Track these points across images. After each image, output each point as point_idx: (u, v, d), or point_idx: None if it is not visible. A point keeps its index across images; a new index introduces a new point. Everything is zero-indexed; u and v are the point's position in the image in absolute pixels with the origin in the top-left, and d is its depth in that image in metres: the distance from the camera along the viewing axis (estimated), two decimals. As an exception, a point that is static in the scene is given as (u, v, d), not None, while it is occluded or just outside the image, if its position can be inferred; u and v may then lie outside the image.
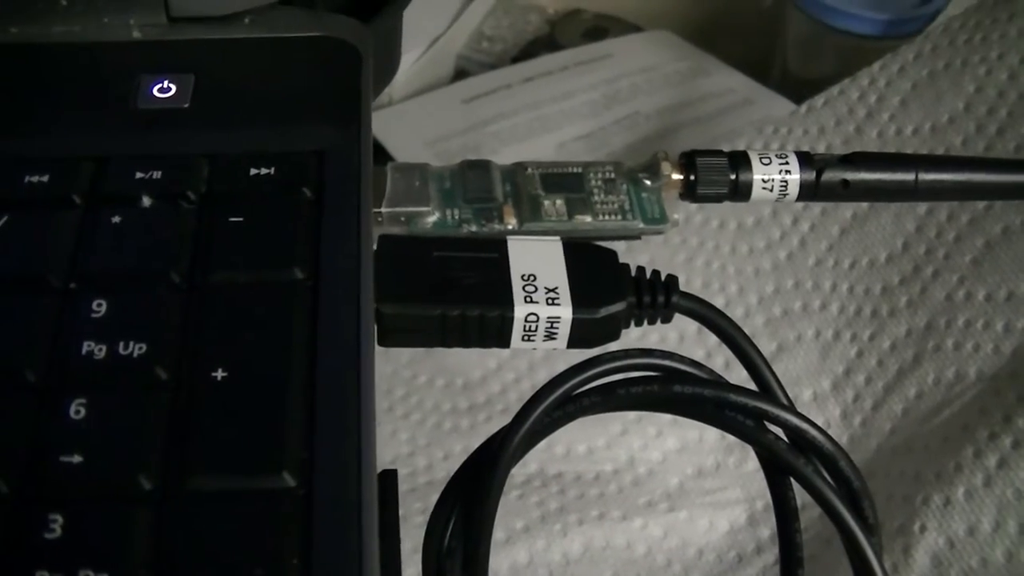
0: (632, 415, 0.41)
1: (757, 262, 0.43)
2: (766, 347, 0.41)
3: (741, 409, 0.25)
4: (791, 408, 0.25)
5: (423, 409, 0.43)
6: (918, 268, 0.40)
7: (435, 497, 0.39)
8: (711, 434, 0.40)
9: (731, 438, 0.40)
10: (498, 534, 0.38)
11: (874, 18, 0.52)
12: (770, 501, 0.39)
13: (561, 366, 0.42)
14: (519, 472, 0.40)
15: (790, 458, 0.25)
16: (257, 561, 0.19)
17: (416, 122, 0.54)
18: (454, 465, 0.41)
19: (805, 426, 0.24)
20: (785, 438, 0.25)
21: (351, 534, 0.19)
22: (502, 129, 0.54)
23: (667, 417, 0.41)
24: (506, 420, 0.26)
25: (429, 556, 0.25)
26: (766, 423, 0.25)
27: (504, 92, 0.56)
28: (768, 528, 0.39)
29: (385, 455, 0.41)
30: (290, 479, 0.20)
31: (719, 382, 0.25)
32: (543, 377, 0.43)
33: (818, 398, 0.40)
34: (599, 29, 0.62)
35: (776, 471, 0.26)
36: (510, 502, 0.39)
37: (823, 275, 0.42)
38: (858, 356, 0.40)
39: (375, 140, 0.33)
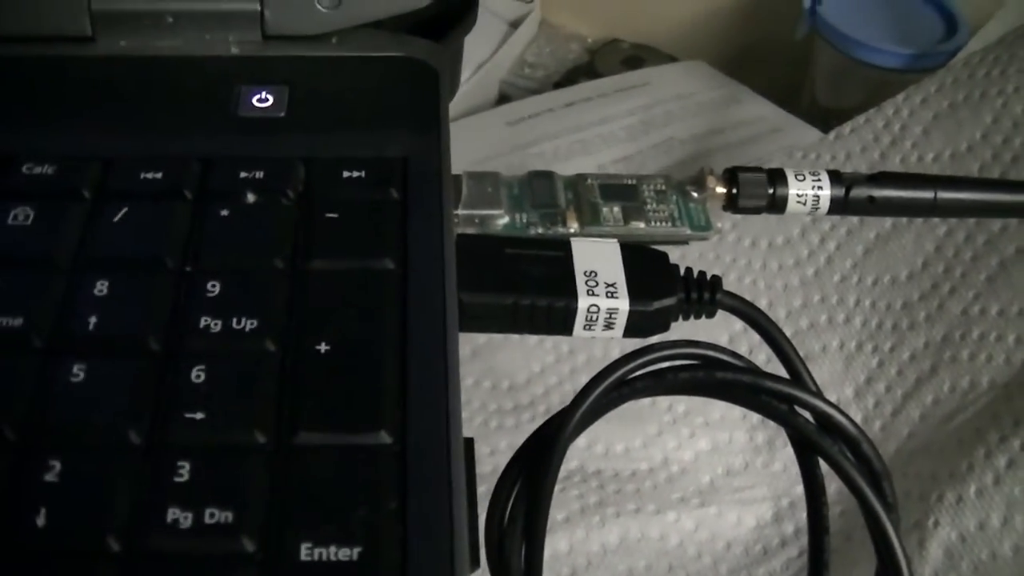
0: (668, 417, 0.44)
1: (786, 278, 0.46)
2: (793, 356, 0.43)
3: (775, 394, 0.27)
4: (819, 394, 0.28)
5: (471, 408, 0.45)
6: (936, 285, 0.43)
7: (482, 489, 0.42)
8: (740, 436, 0.43)
9: (759, 440, 0.43)
10: (541, 523, 0.41)
11: (899, 52, 0.54)
12: (794, 499, 0.42)
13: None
14: (562, 468, 0.43)
15: (818, 438, 0.27)
16: (360, 504, 0.22)
17: (463, 142, 0.57)
18: (500, 460, 0.44)
19: (831, 411, 0.27)
20: (813, 421, 0.28)
21: (441, 484, 0.22)
22: (545, 151, 0.56)
23: (700, 420, 0.44)
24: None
25: (492, 523, 0.28)
26: (797, 407, 0.28)
27: (547, 116, 0.59)
28: (792, 524, 0.41)
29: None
30: (387, 437, 0.23)
31: (756, 370, 0.28)
32: (584, 381, 0.45)
33: (841, 404, 0.43)
34: (637, 58, 0.65)
35: (805, 450, 0.28)
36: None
37: (847, 291, 0.45)
38: (879, 366, 0.43)
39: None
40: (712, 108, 0.59)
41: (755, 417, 0.43)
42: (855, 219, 0.46)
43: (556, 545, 0.40)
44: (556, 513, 0.41)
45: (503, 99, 0.63)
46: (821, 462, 0.28)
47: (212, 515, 0.21)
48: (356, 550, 0.21)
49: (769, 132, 0.58)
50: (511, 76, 0.64)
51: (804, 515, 0.29)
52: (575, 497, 0.42)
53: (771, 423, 0.36)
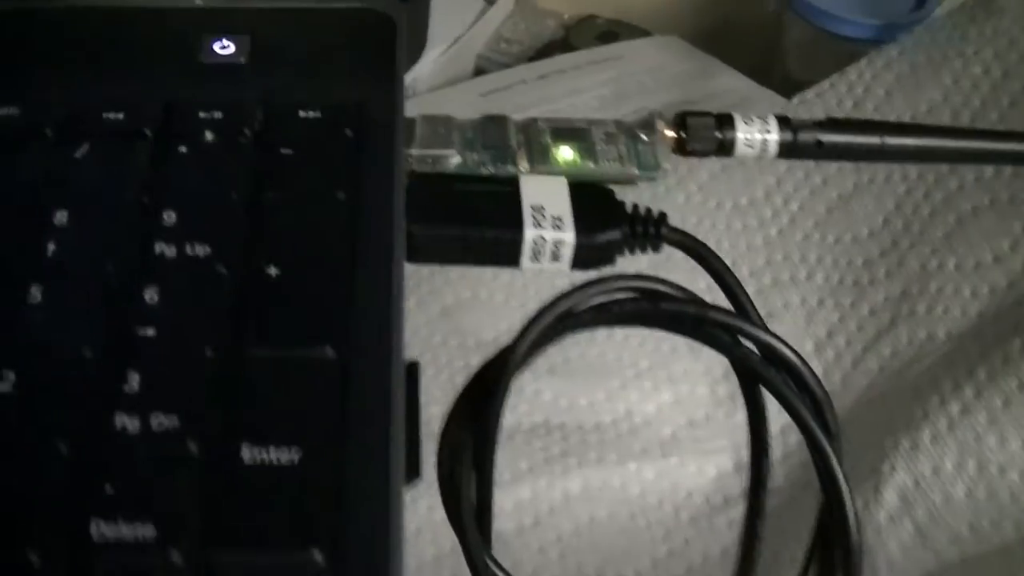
0: (631, 372, 0.44)
1: (750, 238, 0.47)
2: (756, 313, 0.44)
3: (719, 325, 0.28)
4: (763, 326, 0.28)
5: (437, 365, 0.46)
6: (896, 242, 0.43)
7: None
8: (703, 389, 0.44)
9: (721, 393, 0.44)
10: (504, 475, 0.41)
11: (869, 24, 0.55)
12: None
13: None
14: (525, 421, 0.43)
15: (761, 369, 0.28)
16: (303, 411, 0.23)
17: (437, 112, 0.58)
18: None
19: (774, 342, 0.28)
20: (758, 352, 0.29)
21: (381, 396, 0.23)
22: (517, 121, 0.57)
23: (663, 373, 0.44)
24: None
25: (443, 452, 0.29)
26: (741, 339, 0.29)
27: (520, 87, 0.59)
28: (753, 475, 0.42)
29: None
30: (331, 351, 0.24)
31: (700, 301, 0.29)
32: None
33: (802, 358, 0.44)
34: (612, 34, 0.65)
35: (749, 380, 0.29)
36: (516, 446, 0.42)
37: (810, 249, 0.45)
38: (840, 321, 0.44)
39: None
40: (684, 80, 0.60)
41: (718, 371, 0.44)
42: (819, 180, 0.47)
43: (519, 494, 0.41)
44: (519, 462, 0.42)
45: (479, 74, 0.63)
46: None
47: (160, 422, 0.22)
48: (296, 454, 0.22)
49: (740, 103, 0.58)
50: (487, 51, 0.64)
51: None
52: (538, 448, 0.43)
53: (733, 377, 0.36)
